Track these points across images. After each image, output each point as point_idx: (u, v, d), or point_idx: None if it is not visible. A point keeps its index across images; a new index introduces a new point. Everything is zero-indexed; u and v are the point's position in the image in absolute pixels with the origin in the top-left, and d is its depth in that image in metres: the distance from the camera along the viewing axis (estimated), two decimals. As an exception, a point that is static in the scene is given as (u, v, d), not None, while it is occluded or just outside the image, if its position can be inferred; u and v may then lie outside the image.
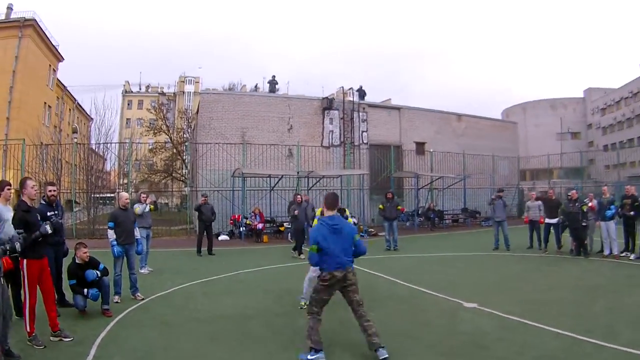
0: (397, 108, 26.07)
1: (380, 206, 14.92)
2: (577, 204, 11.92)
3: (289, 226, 17.78)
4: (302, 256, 12.30)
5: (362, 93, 24.76)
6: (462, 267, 11.13)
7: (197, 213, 13.66)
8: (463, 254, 13.25)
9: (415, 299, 7.68)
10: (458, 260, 12.22)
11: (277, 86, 23.71)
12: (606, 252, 11.82)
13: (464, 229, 22.41)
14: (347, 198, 22.39)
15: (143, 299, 7.53)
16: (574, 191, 12.60)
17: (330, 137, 23.31)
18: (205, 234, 13.19)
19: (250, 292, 8.28)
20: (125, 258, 7.57)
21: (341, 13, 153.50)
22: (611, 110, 50.61)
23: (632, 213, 11.27)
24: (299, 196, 14.41)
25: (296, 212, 13.43)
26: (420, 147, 26.05)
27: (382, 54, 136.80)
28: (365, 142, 24.22)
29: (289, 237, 17.21)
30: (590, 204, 11.91)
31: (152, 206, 10.86)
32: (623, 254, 11.57)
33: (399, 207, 15.19)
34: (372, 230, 20.04)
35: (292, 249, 13.13)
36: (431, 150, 25.74)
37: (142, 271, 9.96)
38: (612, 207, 11.68)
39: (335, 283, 5.00)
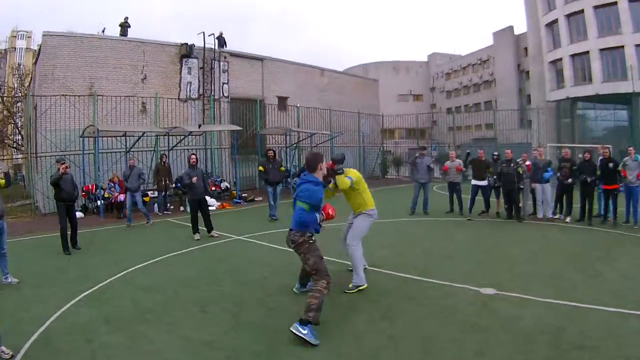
0: (260, 59, 24.33)
1: (260, 168, 12.70)
2: (512, 165, 11.33)
3: (155, 195, 15.64)
4: (196, 236, 10.07)
5: (222, 41, 22.65)
6: (406, 237, 9.97)
7: (52, 189, 9.51)
8: (381, 221, 11.49)
9: (411, 289, 6.03)
10: (387, 229, 10.63)
11: (129, 29, 20.56)
12: (540, 214, 11.73)
13: (338, 190, 22.34)
14: (211, 158, 21.00)
15: (12, 356, 4.18)
16: (508, 151, 11.82)
17: (188, 89, 20.79)
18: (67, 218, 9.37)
19: (185, 313, 5.38)
20: None
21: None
22: (457, 75, 55.00)
23: (569, 180, 11.07)
24: (193, 156, 10.76)
25: (194, 179, 10.16)
26: (282, 101, 24.94)
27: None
28: (226, 95, 22.16)
29: (157, 210, 15.01)
30: (527, 164, 11.46)
31: (2, 180, 7.14)
32: (557, 217, 11.56)
33: (282, 169, 13.16)
34: (247, 194, 18.63)
35: (193, 231, 10.33)
36: (297, 105, 24.86)
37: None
38: (549, 169, 11.46)
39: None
